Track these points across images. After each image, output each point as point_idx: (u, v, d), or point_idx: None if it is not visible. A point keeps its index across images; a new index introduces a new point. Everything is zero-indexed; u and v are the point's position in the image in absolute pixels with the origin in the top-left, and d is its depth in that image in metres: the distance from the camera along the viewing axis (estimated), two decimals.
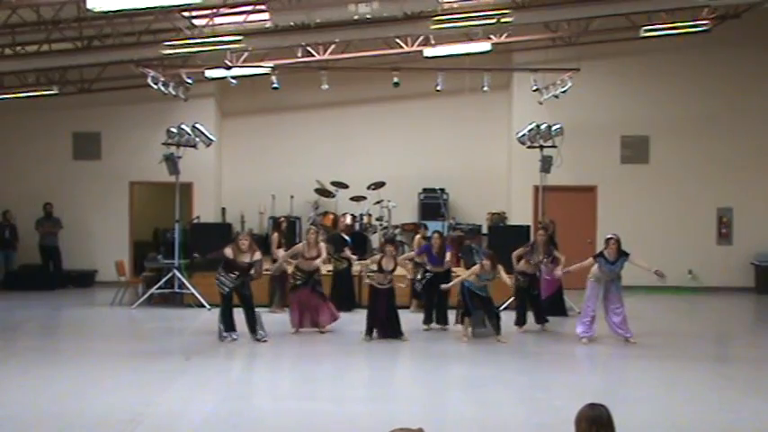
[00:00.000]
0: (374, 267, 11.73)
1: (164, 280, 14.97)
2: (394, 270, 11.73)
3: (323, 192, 18.28)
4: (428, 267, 12.83)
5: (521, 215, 17.81)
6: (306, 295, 12.11)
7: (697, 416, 7.87)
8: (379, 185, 17.94)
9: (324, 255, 12.41)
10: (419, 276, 13.14)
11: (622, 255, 11.47)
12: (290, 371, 10.22)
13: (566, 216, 16.81)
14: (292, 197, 18.42)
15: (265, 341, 11.38)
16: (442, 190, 18.38)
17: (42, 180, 18.74)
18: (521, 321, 12.62)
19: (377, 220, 17.85)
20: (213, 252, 11.81)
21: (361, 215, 17.78)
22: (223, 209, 19.00)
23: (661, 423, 7.56)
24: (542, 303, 12.99)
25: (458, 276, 12.57)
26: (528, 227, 15.61)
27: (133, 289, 15.63)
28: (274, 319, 12.79)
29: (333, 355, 10.98)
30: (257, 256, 11.48)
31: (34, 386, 8.81)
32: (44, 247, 18.06)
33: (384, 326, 11.68)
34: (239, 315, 11.52)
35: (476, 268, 11.79)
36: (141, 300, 15.02)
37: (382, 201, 17.85)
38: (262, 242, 15.08)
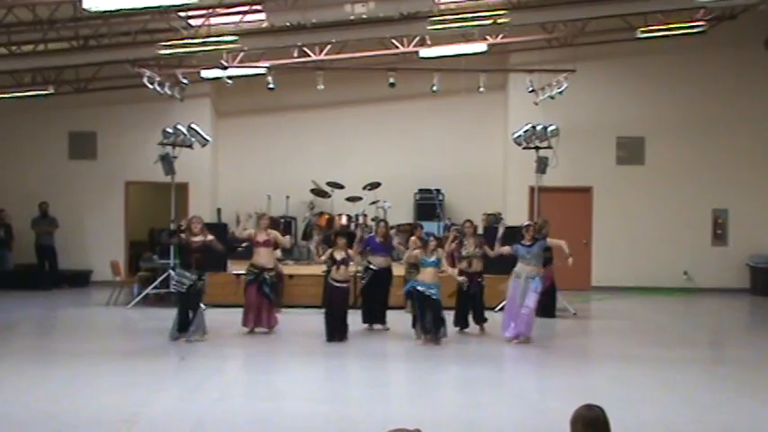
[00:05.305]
0: (329, 264, 11.67)
1: (159, 280, 14.98)
2: (347, 261, 11.55)
3: (319, 192, 18.28)
4: (370, 260, 12.54)
5: (516, 216, 17.75)
6: (253, 295, 12.06)
7: (692, 417, 7.88)
8: (374, 186, 17.93)
9: (281, 240, 12.50)
10: (361, 274, 12.82)
11: (540, 239, 11.74)
12: (284, 371, 10.21)
13: (561, 217, 16.80)
14: (288, 197, 18.41)
15: (191, 341, 11.33)
16: (438, 190, 18.41)
17: (38, 180, 18.71)
18: (461, 323, 12.42)
19: (372, 220, 17.82)
20: (168, 239, 12.00)
21: (357, 215, 17.77)
22: (219, 209, 18.99)
23: (656, 424, 7.58)
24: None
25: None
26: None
27: (128, 289, 15.59)
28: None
29: (327, 355, 10.97)
30: (210, 237, 11.70)
31: (29, 386, 8.80)
32: (40, 246, 18.01)
33: (340, 327, 11.55)
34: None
35: (417, 251, 11.59)
36: (136, 300, 15.00)
37: (378, 201, 17.83)
38: None
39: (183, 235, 11.73)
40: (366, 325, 12.61)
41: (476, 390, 9.18)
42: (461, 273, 12.21)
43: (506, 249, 11.86)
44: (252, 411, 8.09)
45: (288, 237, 13.78)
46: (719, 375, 10.10)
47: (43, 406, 7.94)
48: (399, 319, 12.67)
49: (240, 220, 12.74)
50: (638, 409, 8.00)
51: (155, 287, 14.99)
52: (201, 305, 11.77)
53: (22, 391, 8.57)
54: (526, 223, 12.00)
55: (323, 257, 12.06)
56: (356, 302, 12.82)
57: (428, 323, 11.25)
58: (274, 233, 12.45)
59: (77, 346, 11.54)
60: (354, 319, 12.12)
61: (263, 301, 12.11)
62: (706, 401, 8.58)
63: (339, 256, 11.54)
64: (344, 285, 11.67)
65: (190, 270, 11.50)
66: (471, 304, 12.44)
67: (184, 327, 11.46)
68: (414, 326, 11.76)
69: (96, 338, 12.49)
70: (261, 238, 12.16)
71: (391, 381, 9.94)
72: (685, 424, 7.64)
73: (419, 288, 11.30)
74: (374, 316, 12.62)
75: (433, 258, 11.33)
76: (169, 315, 13.90)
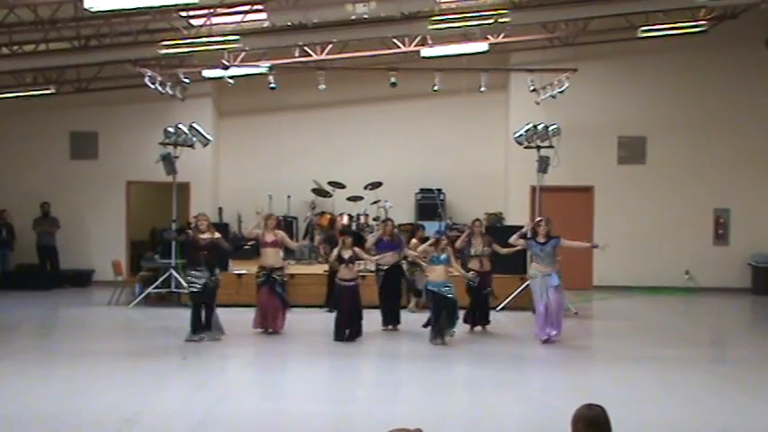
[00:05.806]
0: (336, 265, 11.74)
1: (160, 279, 14.97)
2: (353, 260, 11.61)
3: (320, 192, 18.27)
4: (379, 261, 12.59)
5: (518, 215, 17.79)
6: (265, 296, 12.04)
7: (693, 416, 7.88)
8: (376, 185, 17.92)
9: (288, 242, 12.56)
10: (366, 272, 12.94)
11: (553, 237, 11.63)
12: (286, 371, 10.22)
13: (562, 216, 16.76)
14: (289, 197, 18.40)
15: (213, 340, 11.44)
16: (439, 190, 18.40)
17: (39, 179, 18.72)
18: (470, 321, 12.44)
19: (374, 220, 17.83)
20: (176, 235, 12.17)
21: (358, 215, 17.77)
22: (220, 208, 19.00)
23: (657, 423, 7.58)
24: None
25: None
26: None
27: (130, 289, 15.60)
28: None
29: (329, 355, 10.97)
30: (217, 234, 11.79)
31: (31, 386, 8.81)
32: (41, 246, 18.03)
33: (348, 326, 11.58)
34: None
35: (427, 246, 11.69)
36: (138, 299, 15.00)
37: (379, 201, 17.82)
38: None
39: (190, 231, 11.73)
40: (383, 327, 12.57)
41: (479, 389, 9.18)
42: (475, 273, 12.25)
43: (521, 242, 11.88)
44: (254, 411, 8.10)
45: (297, 242, 13.96)
46: (721, 375, 10.09)
47: (44, 406, 7.94)
48: (404, 319, 12.70)
49: (242, 222, 12.84)
50: (639, 409, 8.00)
51: (156, 287, 14.99)
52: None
53: (23, 390, 8.57)
54: (537, 219, 11.93)
55: (332, 257, 12.14)
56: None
57: (442, 322, 11.24)
58: (281, 233, 12.44)
59: (79, 345, 11.55)
60: (371, 318, 12.09)
61: (275, 301, 12.10)
62: (707, 401, 8.58)
63: (346, 254, 11.58)
64: (352, 284, 11.68)
65: (198, 268, 11.49)
66: (479, 304, 12.47)
67: (198, 327, 11.45)
68: (426, 325, 11.70)
69: (98, 338, 12.50)
70: (268, 238, 12.15)
71: (395, 380, 9.90)
72: (686, 423, 7.63)
73: (431, 288, 11.34)
74: (388, 317, 12.65)
75: (443, 256, 11.36)
76: (170, 315, 14.01)
